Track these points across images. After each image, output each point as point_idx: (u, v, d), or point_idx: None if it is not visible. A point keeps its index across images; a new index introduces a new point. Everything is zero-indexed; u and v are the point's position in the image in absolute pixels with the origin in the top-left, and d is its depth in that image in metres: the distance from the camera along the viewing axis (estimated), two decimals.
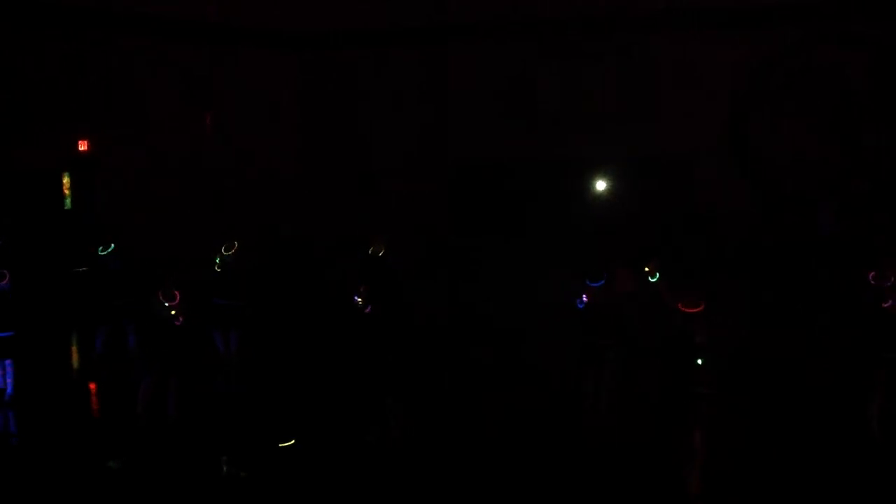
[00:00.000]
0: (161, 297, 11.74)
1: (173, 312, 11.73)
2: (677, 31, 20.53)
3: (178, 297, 11.81)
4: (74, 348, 16.30)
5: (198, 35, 20.78)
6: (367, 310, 13.04)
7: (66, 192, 19.30)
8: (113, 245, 14.55)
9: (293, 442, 11.27)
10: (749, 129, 20.56)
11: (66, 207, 19.30)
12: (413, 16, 21.87)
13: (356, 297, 13.15)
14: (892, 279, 11.45)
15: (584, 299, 12.18)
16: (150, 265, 15.30)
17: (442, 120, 22.09)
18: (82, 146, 19.25)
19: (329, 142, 22.61)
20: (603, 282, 12.26)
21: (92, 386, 14.26)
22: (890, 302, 11.28)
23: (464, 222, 21.71)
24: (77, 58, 18.98)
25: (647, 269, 13.93)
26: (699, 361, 10.35)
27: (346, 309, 13.77)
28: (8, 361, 12.89)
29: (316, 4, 21.97)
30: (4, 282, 12.64)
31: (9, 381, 12.93)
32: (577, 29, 21.04)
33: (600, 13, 20.79)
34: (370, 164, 22.34)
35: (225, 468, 10.81)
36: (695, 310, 10.27)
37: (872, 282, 11.50)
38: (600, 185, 21.31)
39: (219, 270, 14.30)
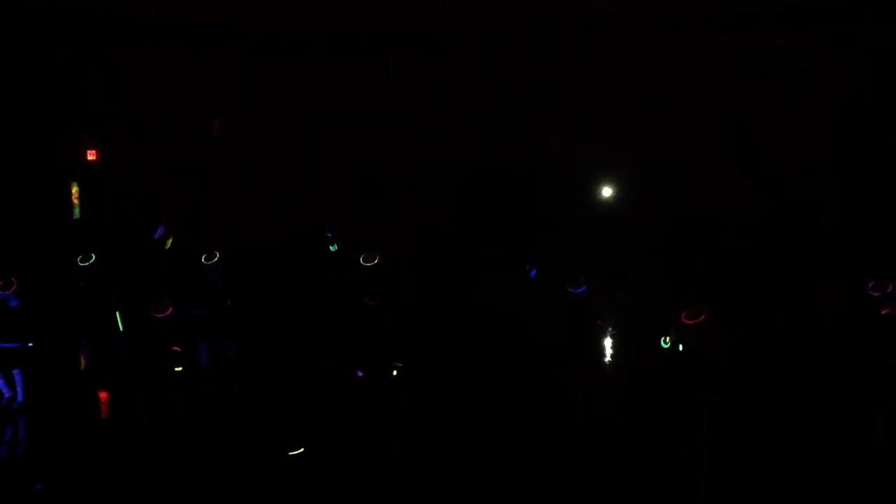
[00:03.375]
0: (152, 310, 11.73)
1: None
2: (681, 35, 20.55)
3: (171, 309, 11.78)
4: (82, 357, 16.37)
5: (203, 40, 20.88)
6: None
7: (75, 201, 19.43)
8: (94, 256, 14.48)
9: (302, 450, 11.34)
10: (753, 133, 20.58)
11: (75, 216, 19.42)
12: (417, 19, 21.93)
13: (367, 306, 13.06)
14: (891, 287, 11.48)
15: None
16: (157, 273, 15.43)
17: (446, 124, 22.15)
18: (91, 155, 19.38)
19: (332, 146, 22.68)
20: (584, 289, 12.20)
21: (98, 395, 14.33)
22: (888, 309, 11.33)
23: (468, 227, 21.75)
24: (84, 67, 19.11)
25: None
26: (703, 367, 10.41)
27: (347, 316, 13.92)
28: (17, 370, 13.02)
29: (319, 8, 22.08)
30: (10, 291, 12.71)
31: (19, 389, 13.07)
32: (582, 33, 21.08)
33: (605, 17, 20.82)
34: (373, 168, 22.42)
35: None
36: (696, 320, 10.33)
37: (871, 290, 11.54)
38: (605, 191, 21.35)
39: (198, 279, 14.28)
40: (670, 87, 20.50)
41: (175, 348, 11.86)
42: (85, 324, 14.65)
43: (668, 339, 10.90)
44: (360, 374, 12.40)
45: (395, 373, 12.42)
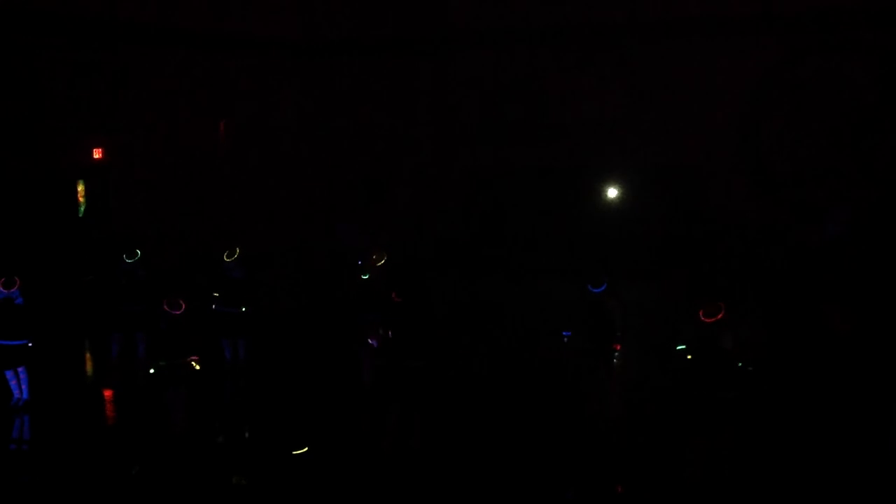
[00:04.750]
0: (166, 306, 11.71)
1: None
2: (687, 41, 20.55)
3: (184, 306, 11.76)
4: (88, 355, 16.39)
5: (210, 44, 20.91)
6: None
7: (81, 199, 19.43)
8: (139, 253, 14.66)
9: (306, 449, 11.32)
10: (760, 136, 20.55)
11: (80, 215, 19.42)
12: (422, 24, 21.95)
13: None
14: None
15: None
16: (163, 272, 15.46)
17: (452, 128, 22.15)
18: (97, 154, 19.39)
19: (337, 150, 22.70)
20: (605, 287, 12.27)
21: (107, 393, 14.35)
22: None
23: (473, 230, 21.75)
24: (91, 66, 19.13)
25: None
26: (739, 364, 10.36)
27: (354, 316, 13.92)
28: (21, 368, 13.01)
29: (324, 13, 22.11)
30: (14, 288, 12.71)
31: (24, 387, 13.05)
32: (588, 38, 21.08)
33: (610, 22, 20.83)
34: (379, 172, 22.43)
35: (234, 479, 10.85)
36: (714, 318, 10.30)
37: None
38: (610, 194, 21.34)
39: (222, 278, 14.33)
40: (677, 90, 20.52)
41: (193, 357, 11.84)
42: (115, 319, 14.72)
43: (681, 344, 10.83)
44: (373, 343, 12.32)
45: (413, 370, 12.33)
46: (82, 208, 19.38)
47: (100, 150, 19.34)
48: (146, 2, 19.64)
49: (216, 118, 21.12)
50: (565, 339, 12.47)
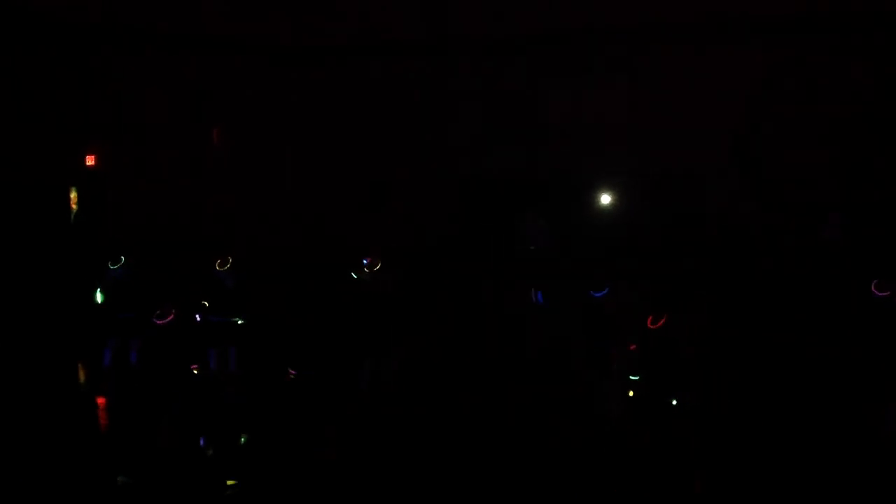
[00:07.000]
0: (155, 316, 11.65)
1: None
2: (683, 45, 20.54)
3: (173, 315, 11.70)
4: (80, 363, 16.31)
5: (207, 48, 20.91)
6: None
7: (74, 206, 19.39)
8: (123, 258, 14.63)
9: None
10: (757, 141, 20.53)
11: (73, 221, 19.39)
12: (420, 29, 21.94)
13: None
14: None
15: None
16: (156, 279, 15.42)
17: (449, 132, 22.13)
18: (90, 161, 19.37)
19: (335, 155, 22.67)
20: (606, 291, 12.34)
21: (100, 401, 14.28)
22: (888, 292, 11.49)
23: (470, 235, 21.72)
24: (85, 73, 19.12)
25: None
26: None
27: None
28: None
29: (322, 17, 22.09)
30: None
31: None
32: (584, 42, 21.08)
33: (607, 27, 20.82)
34: (380, 176, 22.41)
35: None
36: (657, 325, 10.47)
37: (875, 290, 11.63)
38: (606, 199, 21.33)
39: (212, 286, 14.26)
40: (675, 93, 20.50)
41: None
42: (108, 326, 14.68)
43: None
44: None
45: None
46: (75, 215, 19.35)
47: (93, 156, 19.32)
48: (142, 6, 19.64)
49: (212, 123, 21.12)
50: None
